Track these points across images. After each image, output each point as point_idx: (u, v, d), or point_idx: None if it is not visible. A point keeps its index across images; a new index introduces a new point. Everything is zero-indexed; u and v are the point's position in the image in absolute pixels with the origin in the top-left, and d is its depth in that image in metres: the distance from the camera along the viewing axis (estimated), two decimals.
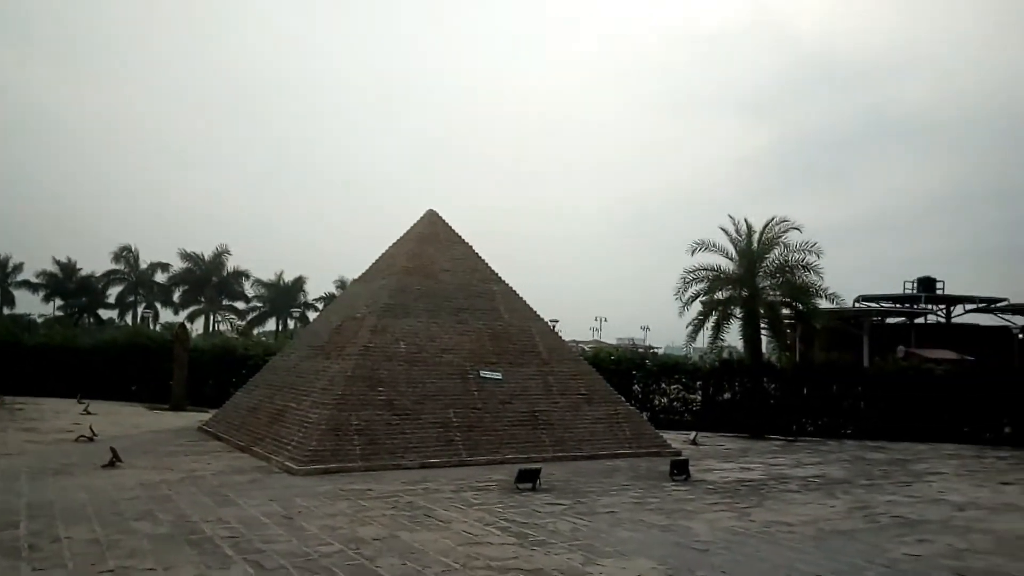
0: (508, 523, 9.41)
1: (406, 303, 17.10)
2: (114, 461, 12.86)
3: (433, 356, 16.13)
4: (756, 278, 23.12)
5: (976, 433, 21.86)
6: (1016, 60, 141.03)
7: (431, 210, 20.35)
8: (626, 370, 24.94)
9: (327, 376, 15.72)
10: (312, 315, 67.29)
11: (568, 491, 11.84)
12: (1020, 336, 35.87)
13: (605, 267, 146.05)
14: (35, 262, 68.42)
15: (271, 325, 69.93)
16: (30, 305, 68.52)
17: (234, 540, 8.07)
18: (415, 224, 20.11)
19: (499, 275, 19.14)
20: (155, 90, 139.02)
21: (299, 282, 69.67)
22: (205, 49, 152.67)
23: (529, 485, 11.88)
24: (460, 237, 19.73)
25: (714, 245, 23.34)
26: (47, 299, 68.17)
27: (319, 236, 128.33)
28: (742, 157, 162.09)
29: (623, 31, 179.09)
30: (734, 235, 23.45)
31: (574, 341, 41.15)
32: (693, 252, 23.34)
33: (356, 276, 21.72)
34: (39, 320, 64.95)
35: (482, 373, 16.14)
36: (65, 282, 67.58)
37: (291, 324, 69.94)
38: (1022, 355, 31.81)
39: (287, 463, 13.14)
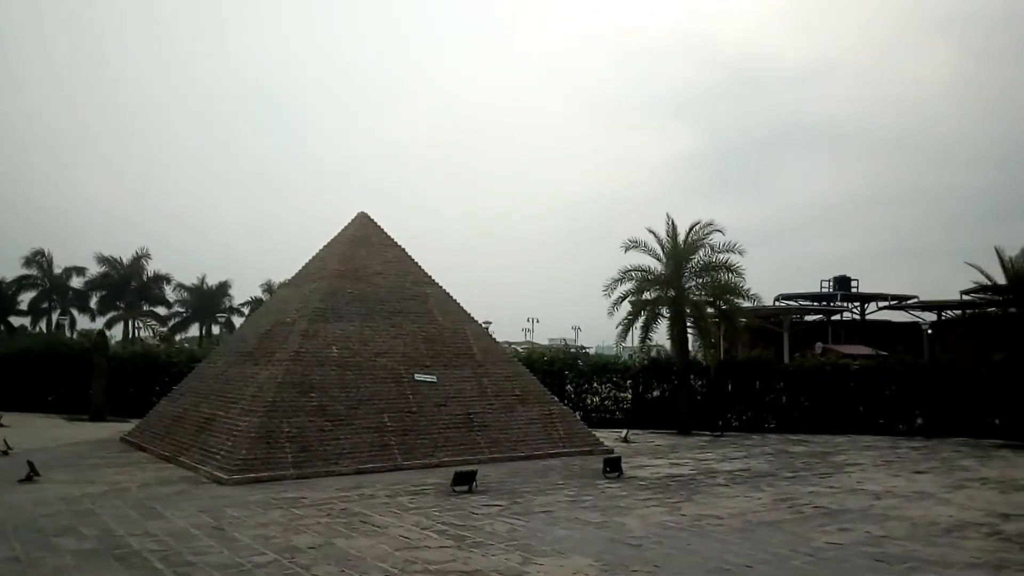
0: (445, 526, 9.44)
1: (338, 307, 16.90)
2: (31, 475, 12.32)
3: (367, 360, 16.00)
4: (683, 278, 23.74)
5: (890, 425, 22.97)
6: (930, 66, 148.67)
7: (362, 212, 20.17)
8: (559, 370, 25.25)
9: (256, 382, 15.40)
10: (238, 320, 65.57)
11: (504, 492, 11.95)
12: (929, 331, 37.84)
13: (537, 269, 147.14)
14: None
15: (195, 331, 67.88)
16: None
17: (163, 554, 7.86)
18: (346, 227, 19.89)
19: (432, 278, 19.11)
20: (62, 84, 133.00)
21: (224, 287, 67.80)
22: (112, 41, 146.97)
23: (465, 487, 11.93)
24: (393, 240, 19.62)
25: (644, 245, 23.86)
26: None
27: (244, 240, 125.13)
28: (666, 161, 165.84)
29: (550, 35, 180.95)
30: (662, 237, 24.02)
31: (507, 342, 41.35)
32: (627, 250, 23.79)
33: (284, 280, 21.33)
34: None
35: (417, 376, 16.10)
36: None
37: (216, 330, 68.01)
38: (931, 349, 33.54)
39: (216, 473, 12.82)
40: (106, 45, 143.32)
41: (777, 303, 40.85)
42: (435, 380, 16.27)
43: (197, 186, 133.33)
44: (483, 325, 20.52)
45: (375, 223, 19.92)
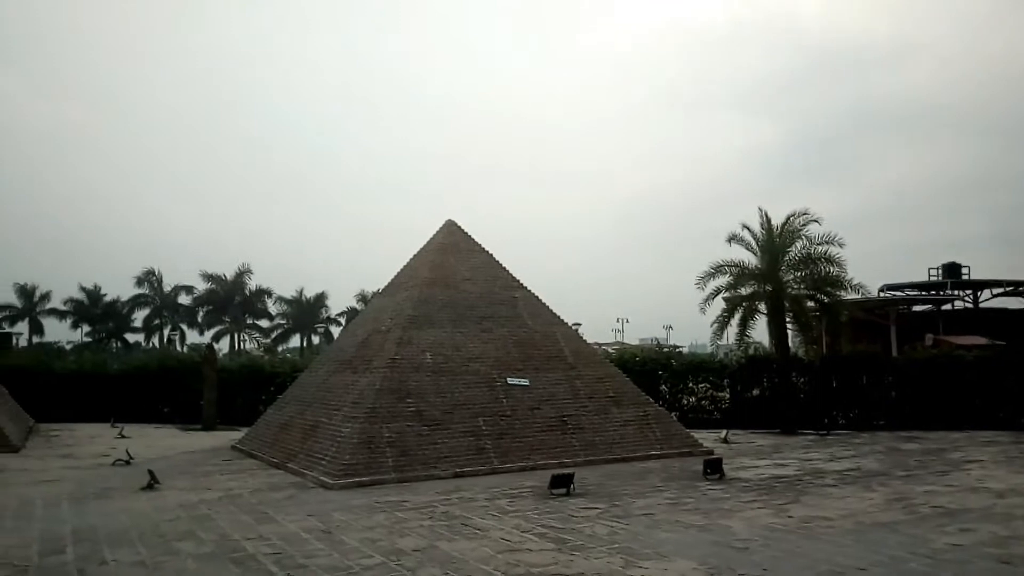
0: (545, 529, 9.43)
1: (430, 314, 17.21)
2: (152, 483, 13.03)
3: (460, 366, 16.21)
4: (780, 272, 22.98)
5: (1012, 419, 21.53)
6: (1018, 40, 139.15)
7: (449, 220, 20.47)
8: (652, 370, 24.88)
9: (356, 390, 15.85)
10: (335, 330, 67.82)
11: (602, 495, 11.84)
12: None
13: (624, 268, 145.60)
14: (61, 290, 69.42)
15: (295, 342, 70.55)
16: (58, 332, 69.63)
17: (277, 556, 8.17)
18: (434, 235, 20.24)
19: (520, 282, 19.20)
20: (165, 113, 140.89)
21: (321, 298, 70.29)
22: (209, 71, 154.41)
23: (563, 490, 11.90)
24: (480, 246, 19.83)
25: (739, 239, 23.25)
26: (75, 326, 69.29)
27: (338, 252, 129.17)
28: (748, 153, 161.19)
29: (619, 29, 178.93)
30: (756, 230, 23.34)
31: (597, 343, 41.04)
32: (730, 240, 23.23)
33: (377, 290, 21.88)
34: (68, 347, 65.95)
35: (509, 380, 16.19)
36: (91, 308, 68.63)
37: (315, 340, 70.44)
38: None
39: (322, 478, 13.25)
40: (223, 60, 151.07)
41: (882, 294, 39.06)
42: (528, 383, 16.31)
43: (291, 203, 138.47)
44: (573, 327, 20.46)
45: (462, 230, 20.19)
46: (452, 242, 19.57)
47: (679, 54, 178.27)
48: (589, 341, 21.07)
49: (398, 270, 20.44)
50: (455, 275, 18.51)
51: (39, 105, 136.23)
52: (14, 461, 16.87)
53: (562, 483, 11.99)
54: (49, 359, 35.38)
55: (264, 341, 66.95)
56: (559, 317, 18.85)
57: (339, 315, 70.01)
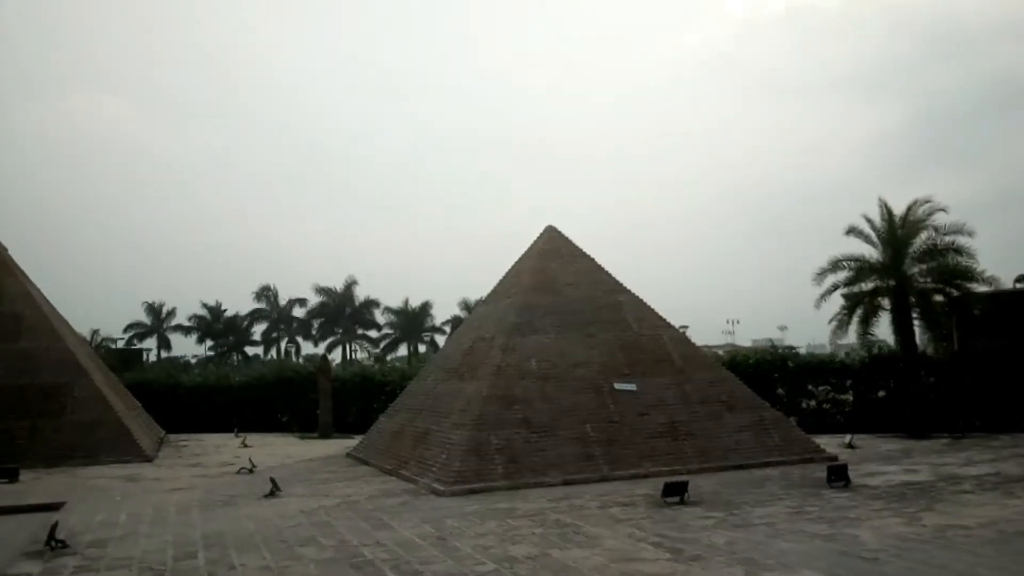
0: (660, 538, 9.17)
1: (533, 320, 17.18)
2: (274, 490, 13.55)
3: (565, 372, 16.09)
4: (903, 265, 21.64)
5: None
6: None
7: (550, 226, 20.42)
8: (767, 373, 23.91)
9: (464, 397, 16.00)
10: (440, 339, 69.03)
11: (719, 503, 11.43)
12: None
13: (733, 268, 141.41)
14: (186, 307, 74.02)
15: (403, 351, 72.27)
16: (184, 347, 74.22)
17: (394, 562, 8.29)
18: (535, 241, 20.23)
19: (624, 285, 18.90)
20: (264, 132, 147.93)
21: (425, 307, 71.70)
22: (309, 90, 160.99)
23: (677, 498, 11.56)
24: (581, 250, 19.67)
25: (858, 231, 22.07)
26: (199, 340, 73.63)
27: (440, 261, 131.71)
28: (860, 142, 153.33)
29: (723, 19, 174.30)
30: (875, 221, 22.07)
31: (706, 346, 39.94)
32: (847, 232, 22.12)
33: (480, 298, 22.08)
34: (193, 361, 70.12)
35: (616, 385, 15.93)
36: (213, 323, 72.76)
37: (422, 349, 71.97)
38: None
39: (434, 485, 13.43)
40: (315, 82, 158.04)
41: (1018, 285, 36.16)
42: (635, 389, 16.00)
43: (393, 214, 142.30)
44: (680, 329, 19.95)
45: (563, 235, 20.09)
46: (553, 248, 19.50)
47: (785, 41, 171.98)
48: (698, 344, 20.45)
49: (500, 278, 20.56)
50: (557, 281, 18.42)
51: (159, 131, 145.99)
52: (148, 470, 17.96)
53: (676, 491, 11.66)
54: (177, 373, 37.59)
55: (374, 351, 68.97)
56: (665, 320, 18.43)
57: (444, 324, 71.28)
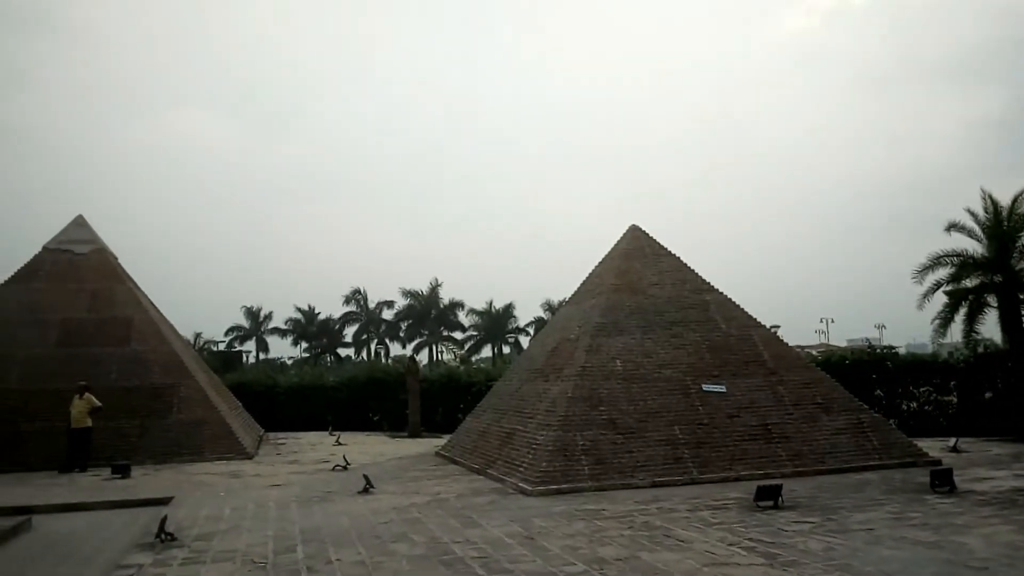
0: (753, 543, 8.96)
1: (618, 321, 17.07)
2: (368, 488, 13.95)
3: (651, 372, 15.92)
4: (1011, 260, 20.43)
5: None
6: None
7: (633, 225, 20.24)
8: (864, 374, 22.96)
9: (548, 398, 16.04)
10: (524, 340, 69.46)
11: (815, 508, 11.07)
12: None
13: (829, 265, 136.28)
14: (282, 311, 77.19)
15: (487, 352, 73.06)
16: (280, 349, 77.32)
17: (483, 560, 8.41)
18: (618, 241, 20.09)
19: (711, 284, 18.54)
20: (361, 145, 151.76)
21: (508, 309, 72.27)
22: (393, 99, 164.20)
23: (770, 502, 11.26)
24: (666, 249, 19.41)
25: (961, 226, 20.99)
26: (294, 343, 76.60)
27: (522, 262, 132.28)
28: (961, 132, 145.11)
29: (810, 8, 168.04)
30: (980, 214, 20.93)
31: (799, 346, 38.69)
32: (949, 230, 21.08)
33: (563, 299, 22.09)
34: (289, 362, 72.88)
35: (705, 387, 15.64)
36: (307, 326, 75.48)
37: (506, 350, 72.54)
38: None
39: (521, 484, 13.53)
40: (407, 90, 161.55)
41: None
42: (724, 390, 15.68)
43: (473, 217, 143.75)
44: (771, 329, 19.41)
45: (646, 234, 19.87)
46: (637, 247, 19.33)
47: (878, 30, 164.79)
48: (790, 344, 19.82)
49: (583, 279, 20.51)
50: (642, 280, 18.24)
51: (254, 144, 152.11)
52: (249, 467, 18.76)
53: (769, 495, 11.36)
54: (274, 374, 39.15)
55: (459, 352, 69.97)
56: (755, 319, 17.98)
57: (527, 325, 71.72)
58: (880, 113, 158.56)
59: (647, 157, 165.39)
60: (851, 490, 12.51)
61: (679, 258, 19.16)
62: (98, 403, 18.86)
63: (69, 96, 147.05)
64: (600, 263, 20.12)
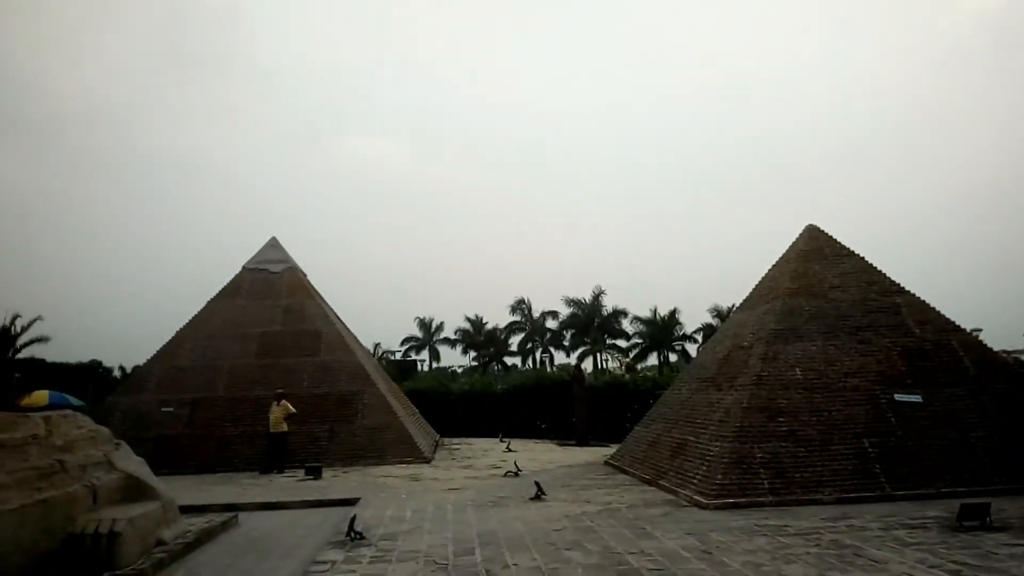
0: (958, 566, 8.17)
1: (796, 326, 16.21)
2: (539, 494, 14.13)
3: (835, 381, 14.96)
4: None
5: None
6: None
7: (810, 225, 19.15)
8: None
9: (721, 408, 15.50)
10: (691, 347, 67.70)
11: None
12: None
13: None
14: (452, 321, 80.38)
15: (652, 360, 71.90)
16: (451, 358, 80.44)
17: (660, 573, 8.26)
18: (794, 242, 19.09)
19: (902, 285, 17.16)
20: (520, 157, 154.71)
21: (673, 315, 70.73)
22: (545, 108, 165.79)
23: (976, 522, 10.23)
24: (848, 249, 18.19)
25: None
26: (463, 351, 79.29)
27: (686, 267, 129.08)
28: None
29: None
30: None
31: (1004, 351, 34.92)
32: None
33: (732, 304, 21.30)
34: (459, 370, 75.62)
35: (898, 397, 14.48)
36: (475, 335, 77.91)
37: (672, 357, 71.04)
38: None
39: (695, 497, 13.16)
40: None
41: None
42: (920, 400, 14.42)
43: (633, 224, 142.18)
44: (972, 333, 17.62)
45: (825, 234, 18.74)
46: (815, 247, 18.27)
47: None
48: (996, 349, 17.88)
49: (755, 282, 19.68)
50: (822, 283, 17.22)
51: (423, 165, 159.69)
52: (426, 470, 19.61)
53: (976, 514, 10.32)
54: (446, 381, 40.77)
55: (624, 360, 69.36)
56: (954, 323, 16.42)
57: (694, 332, 69.80)
58: None
59: (824, 156, 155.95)
60: None
61: (863, 258, 17.90)
62: (293, 409, 20.50)
63: (257, 130, 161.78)
64: (774, 266, 19.21)
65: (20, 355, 53.27)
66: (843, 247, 18.24)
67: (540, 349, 76.87)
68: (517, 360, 79.00)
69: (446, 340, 79.67)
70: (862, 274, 17.40)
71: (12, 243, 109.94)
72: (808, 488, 13.02)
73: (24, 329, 52.74)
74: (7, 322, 52.45)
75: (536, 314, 76.59)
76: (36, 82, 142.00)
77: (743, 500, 12.68)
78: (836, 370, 15.16)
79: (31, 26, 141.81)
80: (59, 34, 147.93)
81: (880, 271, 17.52)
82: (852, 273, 17.40)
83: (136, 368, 31.83)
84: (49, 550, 8.45)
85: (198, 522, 11.77)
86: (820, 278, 17.34)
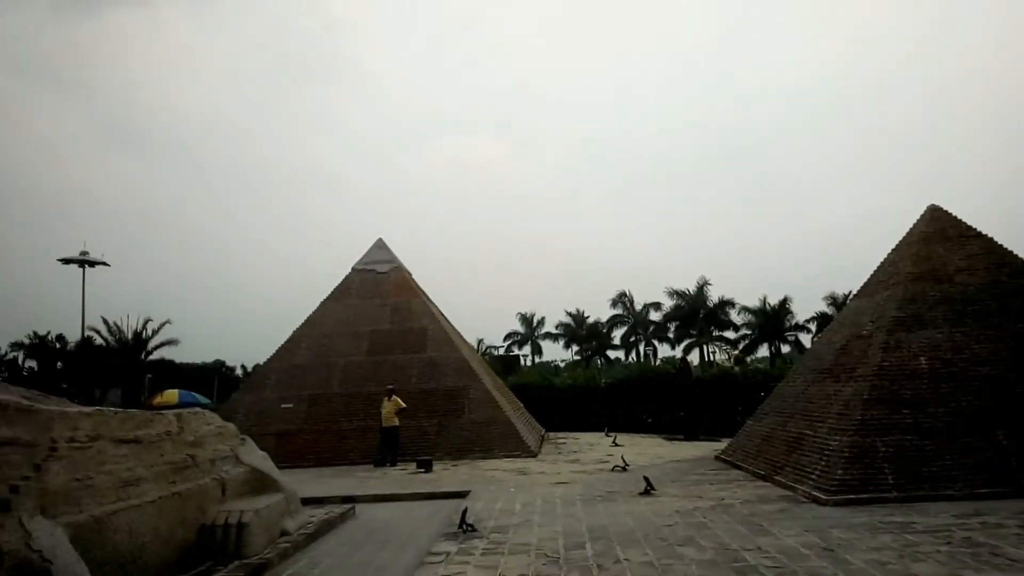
0: None
1: (920, 313, 15.31)
2: (649, 489, 13.96)
3: (964, 371, 14.04)
4: None
5: None
6: None
7: (933, 205, 18.02)
8: None
9: (840, 400, 14.84)
10: (804, 337, 65.10)
11: None
12: None
13: None
14: (553, 316, 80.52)
15: (763, 351, 69.56)
16: (553, 352, 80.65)
17: (779, 570, 8.00)
18: (915, 224, 18.01)
19: None
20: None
21: (785, 304, 68.14)
22: (644, 100, 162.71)
23: None
24: (975, 230, 17.01)
25: None
26: (565, 346, 79.37)
27: (796, 255, 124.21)
28: None
29: None
30: None
31: None
32: None
33: (849, 292, 20.33)
34: (561, 365, 75.65)
35: None
36: (577, 329, 77.78)
37: (784, 348, 68.51)
38: None
39: (813, 492, 12.66)
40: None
41: None
42: None
43: (737, 211, 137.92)
44: None
45: (949, 214, 17.59)
46: (938, 229, 17.18)
47: None
48: None
49: (873, 267, 18.70)
50: (947, 267, 16.18)
51: (524, 165, 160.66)
52: (533, 464, 19.74)
53: None
54: (549, 376, 40.87)
55: (733, 352, 67.45)
56: None
57: (807, 321, 67.00)
58: None
59: (945, 130, 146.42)
60: None
61: (992, 239, 16.72)
62: (403, 404, 21.10)
63: (361, 135, 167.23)
64: (894, 249, 18.20)
65: (152, 357, 57.27)
66: (969, 227, 17.08)
67: (643, 342, 75.82)
68: (620, 353, 78.27)
69: (548, 335, 79.90)
70: (991, 256, 16.24)
71: (143, 251, 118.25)
72: (936, 483, 12.30)
73: (155, 332, 56.64)
74: (140, 326, 56.50)
75: (638, 307, 75.62)
76: (159, 101, 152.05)
77: (865, 496, 12.10)
78: (965, 358, 14.24)
79: (150, 48, 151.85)
80: (176, 53, 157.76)
81: (1012, 252, 16.32)
82: (980, 255, 16.28)
83: (257, 367, 33.59)
84: (184, 540, 9.03)
85: (318, 513, 12.31)
86: (944, 261, 16.31)
